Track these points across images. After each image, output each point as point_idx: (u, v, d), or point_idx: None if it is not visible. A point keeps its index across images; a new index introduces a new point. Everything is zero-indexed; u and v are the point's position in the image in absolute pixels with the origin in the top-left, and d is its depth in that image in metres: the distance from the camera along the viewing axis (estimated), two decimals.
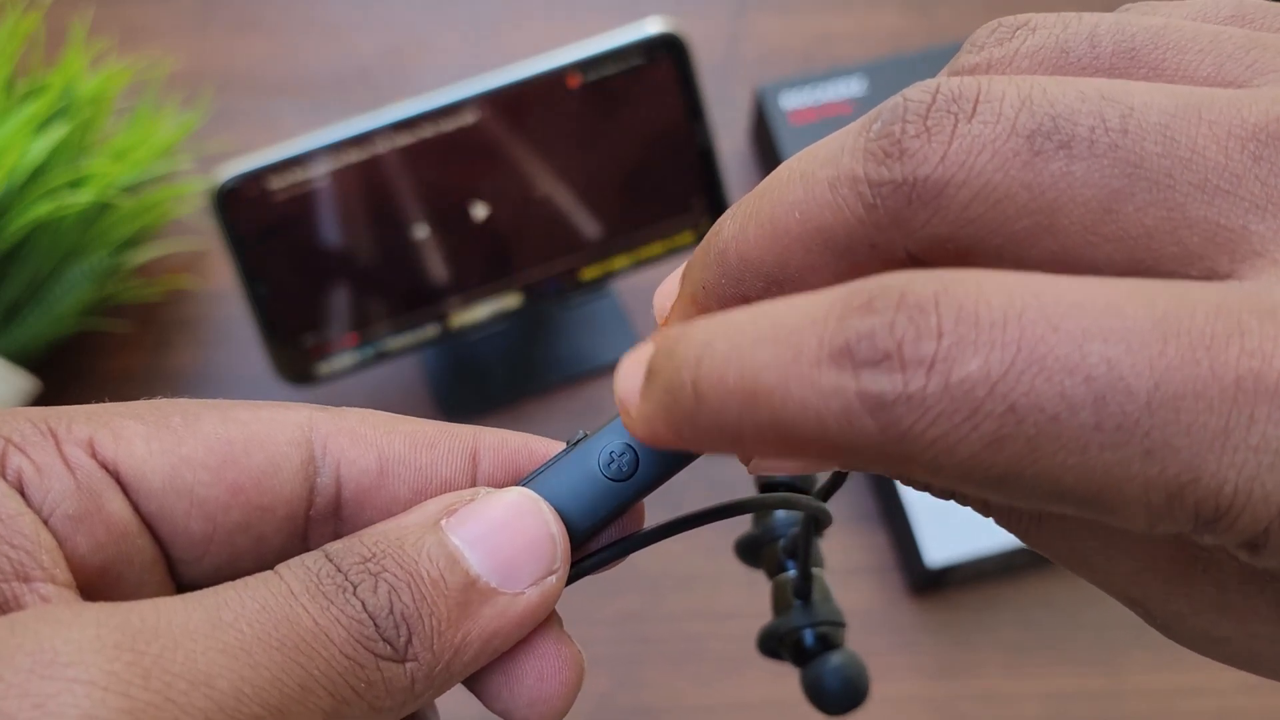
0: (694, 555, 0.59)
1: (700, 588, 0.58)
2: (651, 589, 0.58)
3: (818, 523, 0.28)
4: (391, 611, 0.20)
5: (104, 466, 0.21)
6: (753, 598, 0.58)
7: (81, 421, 0.21)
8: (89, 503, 0.20)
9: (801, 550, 0.30)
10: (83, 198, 0.55)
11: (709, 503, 0.24)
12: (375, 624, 0.19)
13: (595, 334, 0.64)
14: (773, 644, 0.32)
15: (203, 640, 0.18)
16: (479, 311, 0.59)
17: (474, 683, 0.22)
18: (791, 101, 0.66)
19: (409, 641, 0.20)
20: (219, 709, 0.17)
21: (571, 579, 0.23)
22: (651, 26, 0.55)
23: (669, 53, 0.56)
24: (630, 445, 0.23)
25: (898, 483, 0.57)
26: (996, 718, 0.55)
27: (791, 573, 0.31)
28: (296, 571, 0.20)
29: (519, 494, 0.22)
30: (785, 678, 0.56)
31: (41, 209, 0.54)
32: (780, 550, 0.31)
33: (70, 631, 0.17)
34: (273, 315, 0.56)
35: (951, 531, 0.55)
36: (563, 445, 0.23)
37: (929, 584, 0.57)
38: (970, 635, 0.57)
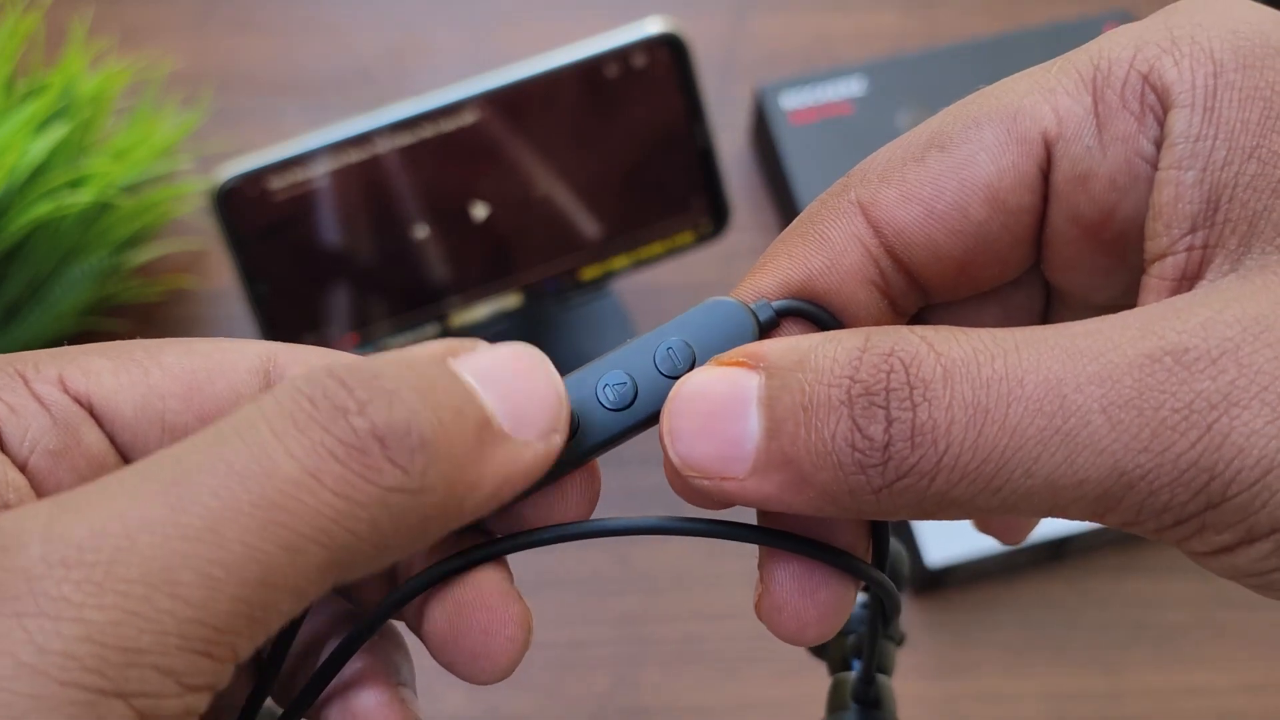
0: (694, 556, 0.59)
1: (700, 588, 0.58)
2: (651, 589, 0.58)
3: (884, 614, 0.25)
4: (409, 432, 0.18)
5: (76, 401, 0.21)
6: (752, 598, 0.58)
7: (47, 361, 0.21)
8: (68, 437, 0.20)
9: (867, 649, 0.28)
10: (83, 198, 0.55)
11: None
12: (385, 445, 0.17)
13: (595, 334, 0.64)
14: None
15: (160, 530, 0.16)
16: (479, 311, 0.59)
17: (420, 630, 0.22)
18: (791, 101, 0.66)
19: (426, 469, 0.18)
20: (187, 605, 0.16)
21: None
22: (651, 26, 0.55)
23: (669, 53, 0.56)
24: (573, 408, 0.22)
25: None
26: (996, 718, 0.55)
27: (855, 672, 0.29)
28: (282, 399, 0.18)
29: (521, 346, 0.21)
30: (785, 678, 0.57)
31: (41, 209, 0.54)
32: (848, 646, 0.30)
33: (13, 559, 0.16)
34: (273, 315, 0.56)
35: (951, 531, 0.55)
36: None
37: (929, 584, 0.57)
38: (970, 635, 0.57)
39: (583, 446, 0.22)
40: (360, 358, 0.19)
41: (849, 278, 0.22)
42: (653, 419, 0.22)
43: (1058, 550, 0.57)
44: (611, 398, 0.22)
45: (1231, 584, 0.62)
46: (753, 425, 0.20)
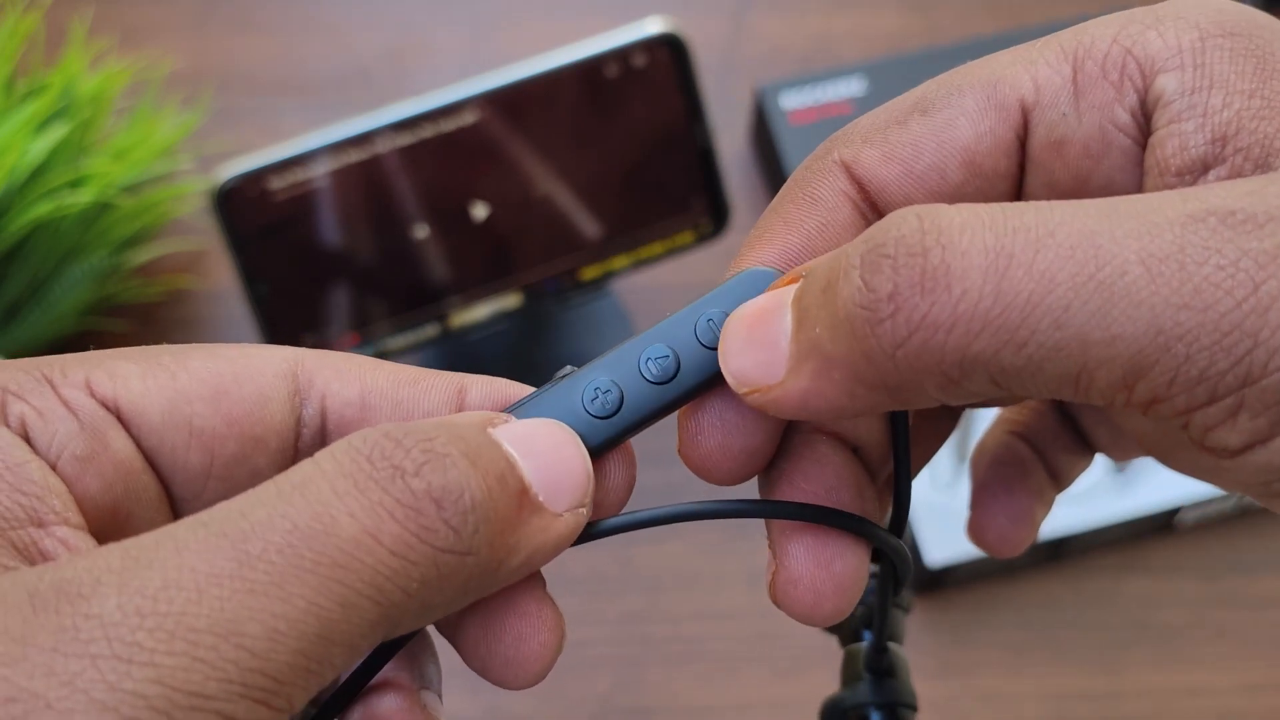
0: (694, 556, 0.59)
1: (701, 588, 0.58)
2: (652, 589, 0.58)
3: (897, 580, 0.26)
4: (463, 496, 0.18)
5: (104, 405, 0.21)
6: (753, 598, 0.58)
7: (74, 365, 0.21)
8: (95, 442, 0.20)
9: (877, 618, 0.28)
10: (83, 198, 0.55)
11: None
12: (441, 508, 0.18)
13: (595, 334, 0.64)
14: (835, 716, 0.29)
15: (228, 583, 0.17)
16: (479, 311, 0.59)
17: (454, 637, 0.22)
18: (791, 101, 0.66)
19: (476, 532, 0.19)
20: (251, 655, 0.17)
21: (604, 533, 0.22)
22: (651, 26, 0.55)
23: (669, 53, 0.56)
24: (615, 383, 0.22)
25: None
26: (996, 718, 0.55)
27: (866, 642, 0.29)
28: (340, 457, 0.18)
29: (554, 423, 0.22)
30: (785, 678, 0.57)
31: (41, 209, 0.54)
32: (857, 617, 0.30)
33: (90, 605, 0.16)
34: (273, 315, 0.56)
35: (951, 531, 0.55)
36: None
37: (929, 584, 0.57)
38: (970, 635, 0.57)
39: (628, 421, 0.22)
40: (408, 423, 0.20)
41: (844, 234, 0.23)
42: (696, 390, 0.22)
43: (1058, 550, 0.57)
44: (654, 371, 0.22)
45: (1231, 584, 0.62)
46: (786, 323, 0.20)
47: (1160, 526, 0.58)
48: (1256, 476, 0.18)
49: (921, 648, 0.57)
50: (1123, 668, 0.56)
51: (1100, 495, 0.56)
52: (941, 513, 0.56)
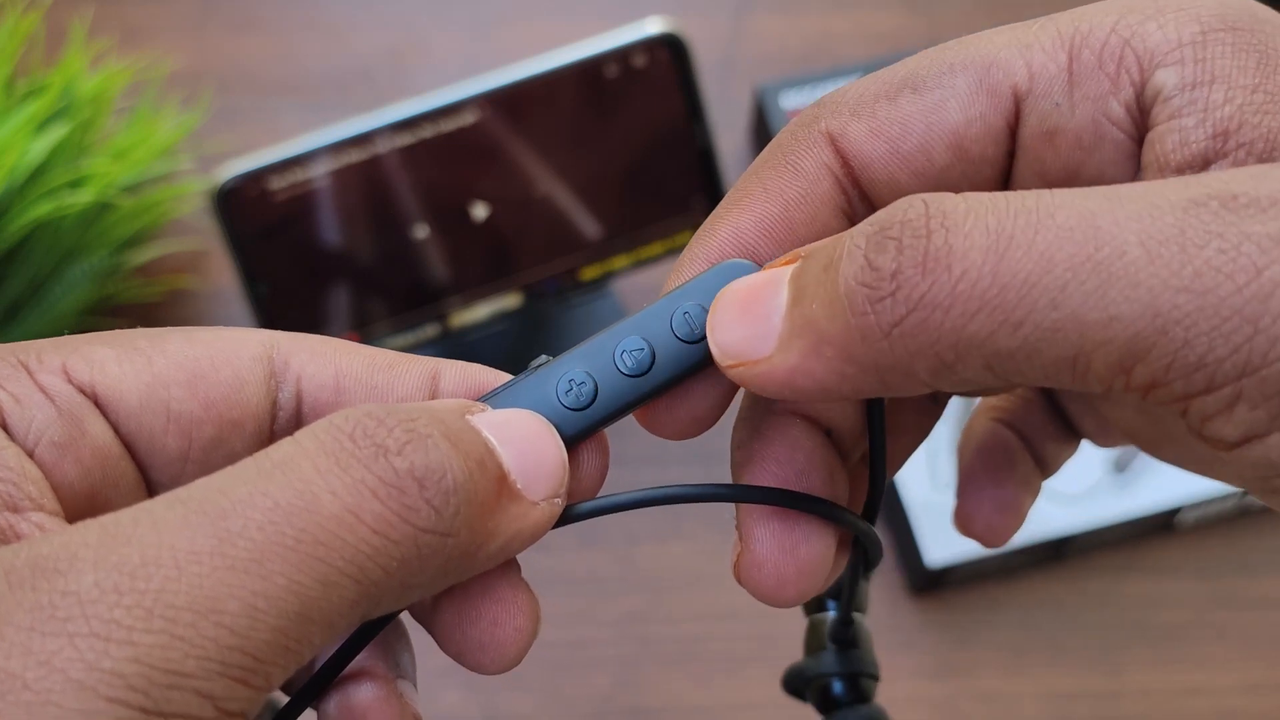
0: (695, 556, 0.59)
1: (701, 588, 0.58)
2: (652, 589, 0.58)
3: (867, 559, 0.26)
4: (446, 477, 0.18)
5: (81, 391, 0.21)
6: (753, 599, 0.58)
7: (50, 351, 0.21)
8: (72, 428, 0.20)
9: (846, 590, 0.28)
10: (83, 198, 0.55)
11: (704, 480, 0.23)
12: (423, 488, 0.18)
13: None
14: (798, 684, 0.30)
15: (208, 561, 0.17)
16: (479, 311, 0.59)
17: (429, 621, 0.22)
18: (791, 101, 0.66)
19: (457, 513, 0.19)
20: (230, 633, 0.16)
21: (580, 517, 0.22)
22: (651, 26, 0.55)
23: (669, 53, 0.56)
24: (590, 375, 0.22)
25: (897, 482, 0.57)
26: (996, 718, 0.55)
27: (831, 613, 0.29)
28: (322, 435, 0.18)
29: (530, 413, 0.22)
30: None
31: (41, 209, 0.54)
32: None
33: (67, 582, 0.16)
34: (273, 315, 0.56)
35: (951, 531, 0.55)
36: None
37: (929, 584, 0.57)
38: (970, 635, 0.57)
39: (602, 414, 0.22)
40: (385, 406, 0.20)
41: (823, 206, 0.23)
42: (670, 383, 0.22)
43: (1058, 550, 0.57)
44: (629, 364, 0.22)
45: (1231, 584, 0.62)
46: (781, 299, 0.20)
47: (1160, 526, 0.58)
48: (1253, 471, 0.18)
49: (921, 648, 0.57)
50: (1123, 668, 0.56)
51: (1100, 495, 0.56)
52: (941, 513, 0.56)
